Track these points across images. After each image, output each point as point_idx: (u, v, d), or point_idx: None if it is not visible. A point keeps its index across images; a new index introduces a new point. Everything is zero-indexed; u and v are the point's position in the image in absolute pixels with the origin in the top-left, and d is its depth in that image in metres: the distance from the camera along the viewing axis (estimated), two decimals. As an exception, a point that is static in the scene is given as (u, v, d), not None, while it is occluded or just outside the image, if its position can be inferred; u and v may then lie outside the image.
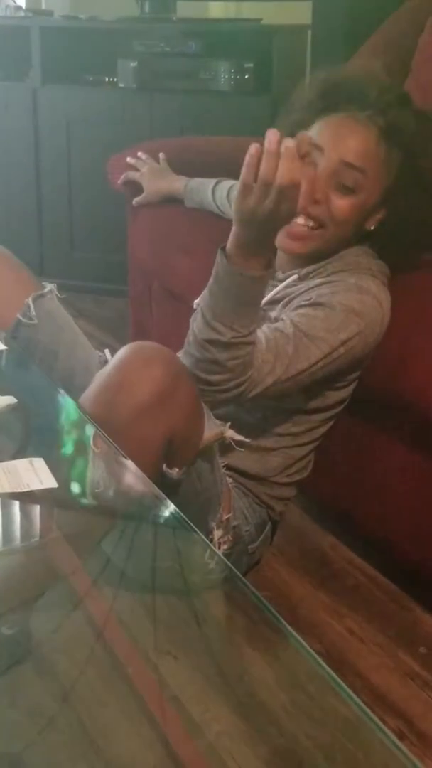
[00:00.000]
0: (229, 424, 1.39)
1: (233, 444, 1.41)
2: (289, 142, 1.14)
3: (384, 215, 1.45)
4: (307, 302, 1.39)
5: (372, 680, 1.49)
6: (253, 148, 1.16)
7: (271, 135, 1.14)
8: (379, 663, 1.53)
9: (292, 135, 1.40)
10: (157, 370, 1.23)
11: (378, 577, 1.74)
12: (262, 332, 1.33)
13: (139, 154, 2.11)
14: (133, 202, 2.11)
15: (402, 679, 1.50)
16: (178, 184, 2.02)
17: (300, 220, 1.40)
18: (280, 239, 1.44)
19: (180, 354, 1.34)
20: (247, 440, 1.43)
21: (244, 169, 1.17)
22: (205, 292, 1.29)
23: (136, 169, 2.09)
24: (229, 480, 1.47)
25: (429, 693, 1.47)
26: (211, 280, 1.28)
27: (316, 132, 1.42)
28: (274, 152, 1.14)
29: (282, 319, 1.38)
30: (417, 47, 2.17)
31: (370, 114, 1.40)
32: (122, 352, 1.27)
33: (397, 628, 1.61)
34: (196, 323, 1.30)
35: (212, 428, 1.34)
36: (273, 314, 1.44)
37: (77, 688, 0.85)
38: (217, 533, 1.39)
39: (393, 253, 1.48)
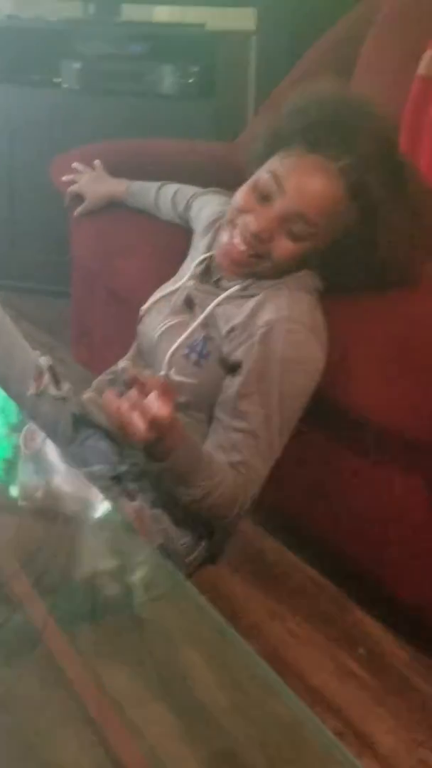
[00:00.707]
0: None
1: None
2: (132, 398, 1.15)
3: (327, 254, 1.45)
4: (243, 374, 1.38)
5: (312, 681, 1.50)
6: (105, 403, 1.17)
7: (109, 396, 1.16)
8: (319, 664, 1.54)
9: (267, 149, 1.44)
10: None
11: (319, 580, 1.75)
12: (232, 444, 1.36)
13: (73, 165, 2.10)
14: (75, 214, 2.10)
15: (341, 680, 1.51)
16: (118, 186, 2.01)
17: (242, 246, 1.41)
18: (219, 256, 1.46)
19: None
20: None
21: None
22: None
23: (75, 182, 2.08)
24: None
25: (367, 693, 1.49)
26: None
27: (285, 165, 1.40)
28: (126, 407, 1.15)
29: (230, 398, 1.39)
30: (358, 57, 2.20)
31: (345, 165, 1.37)
32: None
33: (337, 630, 1.63)
34: (175, 491, 1.33)
35: None
36: (213, 333, 1.44)
37: (15, 692, 0.85)
38: None
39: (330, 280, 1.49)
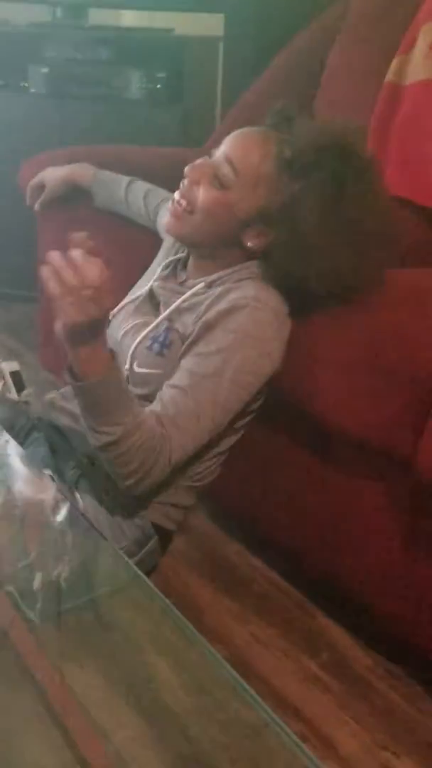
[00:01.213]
0: None
1: None
2: (71, 252, 1.18)
3: (268, 241, 1.43)
4: (200, 339, 1.38)
5: (275, 684, 1.51)
6: (45, 267, 1.18)
7: (53, 255, 1.18)
8: (282, 667, 1.55)
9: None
10: None
11: (282, 584, 1.76)
12: (160, 398, 1.34)
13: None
14: (36, 206, 2.05)
15: (304, 683, 1.53)
16: (82, 171, 1.97)
17: (177, 196, 1.46)
18: (167, 223, 1.49)
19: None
20: None
21: (50, 284, 1.18)
22: (79, 406, 1.30)
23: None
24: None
25: (330, 696, 1.50)
26: (75, 398, 1.29)
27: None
28: (65, 263, 1.17)
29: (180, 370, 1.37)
30: (326, 63, 2.22)
31: (285, 138, 1.40)
32: None
33: (300, 634, 1.64)
34: (88, 435, 1.30)
35: None
36: (177, 326, 1.44)
37: None
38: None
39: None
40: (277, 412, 1.49)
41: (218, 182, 1.41)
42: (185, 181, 1.45)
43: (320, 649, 1.60)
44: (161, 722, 0.84)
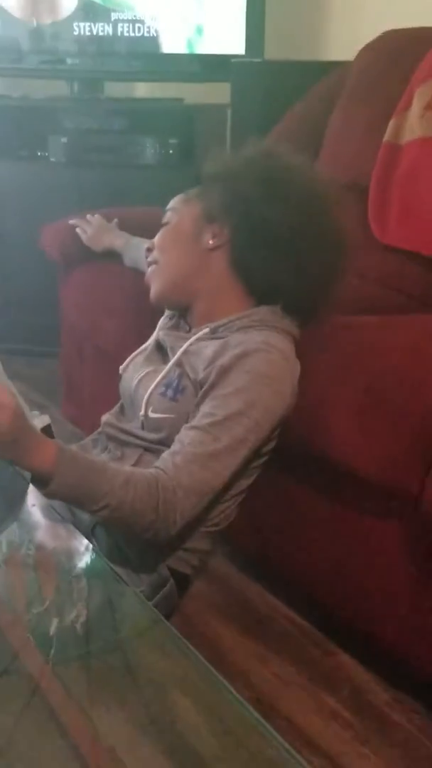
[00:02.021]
0: None
1: None
2: None
3: (224, 236, 1.50)
4: (217, 384, 1.40)
5: (298, 722, 1.53)
6: None
7: None
8: (304, 706, 1.57)
9: None
10: None
11: (302, 623, 1.78)
12: (179, 439, 1.36)
13: (87, 217, 2.24)
14: (78, 231, 2.23)
15: (326, 721, 1.54)
16: (119, 240, 2.15)
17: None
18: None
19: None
20: None
21: None
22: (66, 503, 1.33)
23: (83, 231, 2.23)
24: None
25: (351, 732, 1.52)
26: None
27: None
28: None
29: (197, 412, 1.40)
30: (328, 125, 2.30)
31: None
32: None
33: (320, 671, 1.65)
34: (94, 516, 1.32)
35: None
36: (188, 370, 1.46)
37: (12, 740, 0.85)
38: None
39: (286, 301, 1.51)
40: (288, 453, 1.50)
41: (165, 225, 1.57)
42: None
43: (340, 686, 1.61)
44: (188, 764, 0.84)
